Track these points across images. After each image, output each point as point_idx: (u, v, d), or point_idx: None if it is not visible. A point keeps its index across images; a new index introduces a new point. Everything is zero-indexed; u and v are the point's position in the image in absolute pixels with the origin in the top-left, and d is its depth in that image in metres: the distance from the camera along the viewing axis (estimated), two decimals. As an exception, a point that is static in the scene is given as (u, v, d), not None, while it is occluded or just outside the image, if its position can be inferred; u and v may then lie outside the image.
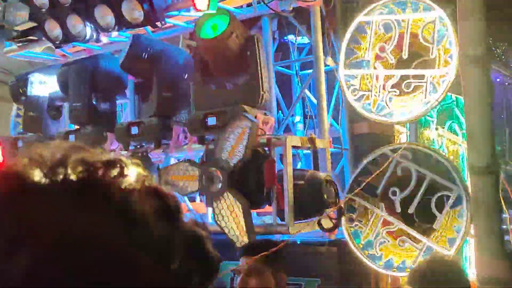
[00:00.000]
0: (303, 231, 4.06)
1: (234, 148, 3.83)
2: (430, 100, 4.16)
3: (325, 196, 3.96)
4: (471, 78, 3.04)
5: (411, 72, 4.29)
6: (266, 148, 4.04)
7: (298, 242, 4.51)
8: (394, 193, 4.23)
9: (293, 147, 4.08)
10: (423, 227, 4.26)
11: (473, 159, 3.09)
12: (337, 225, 4.10)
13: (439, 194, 4.09)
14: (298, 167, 4.90)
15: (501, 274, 3.00)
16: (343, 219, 4.25)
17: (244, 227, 3.82)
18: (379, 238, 4.25)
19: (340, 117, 4.81)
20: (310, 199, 3.95)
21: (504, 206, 4.10)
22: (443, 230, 4.13)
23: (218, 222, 3.90)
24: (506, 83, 7.32)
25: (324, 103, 4.52)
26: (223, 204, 3.83)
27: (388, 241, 4.25)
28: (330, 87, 5.00)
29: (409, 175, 4.20)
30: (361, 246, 4.27)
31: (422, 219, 4.22)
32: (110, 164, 0.60)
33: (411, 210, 4.16)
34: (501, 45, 6.84)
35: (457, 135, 5.39)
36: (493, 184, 3.06)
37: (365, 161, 4.33)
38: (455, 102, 5.37)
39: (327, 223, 4.13)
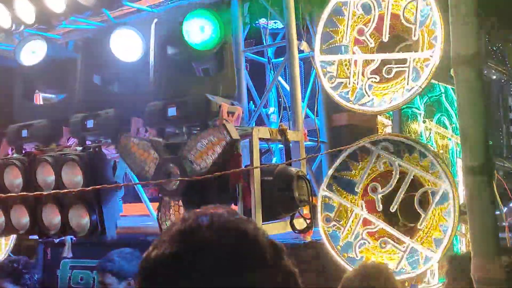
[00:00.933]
0: (273, 232, 3.67)
1: (202, 154, 3.42)
2: (413, 86, 3.78)
3: (297, 193, 3.56)
4: (464, 79, 2.84)
5: (392, 56, 3.92)
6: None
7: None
8: (374, 190, 3.87)
9: (262, 139, 3.68)
10: (406, 226, 3.90)
11: (467, 159, 2.87)
12: (311, 226, 3.71)
13: (423, 190, 3.73)
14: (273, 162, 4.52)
15: (496, 275, 2.80)
16: (319, 219, 3.87)
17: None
18: (359, 240, 3.90)
19: (316, 108, 4.43)
20: (280, 197, 3.55)
21: (500, 203, 3.76)
22: (428, 229, 3.79)
23: (161, 222, 3.54)
24: (502, 80, 7.01)
25: (298, 92, 4.14)
26: (172, 211, 3.45)
27: (369, 243, 3.91)
28: (307, 75, 4.62)
29: (391, 170, 3.85)
30: (340, 248, 3.95)
31: (406, 217, 3.87)
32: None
33: (393, 208, 3.81)
34: (498, 42, 6.55)
35: (446, 128, 5.04)
36: (487, 184, 2.89)
37: (343, 155, 3.96)
38: (444, 94, 5.02)
39: (300, 224, 3.75)
